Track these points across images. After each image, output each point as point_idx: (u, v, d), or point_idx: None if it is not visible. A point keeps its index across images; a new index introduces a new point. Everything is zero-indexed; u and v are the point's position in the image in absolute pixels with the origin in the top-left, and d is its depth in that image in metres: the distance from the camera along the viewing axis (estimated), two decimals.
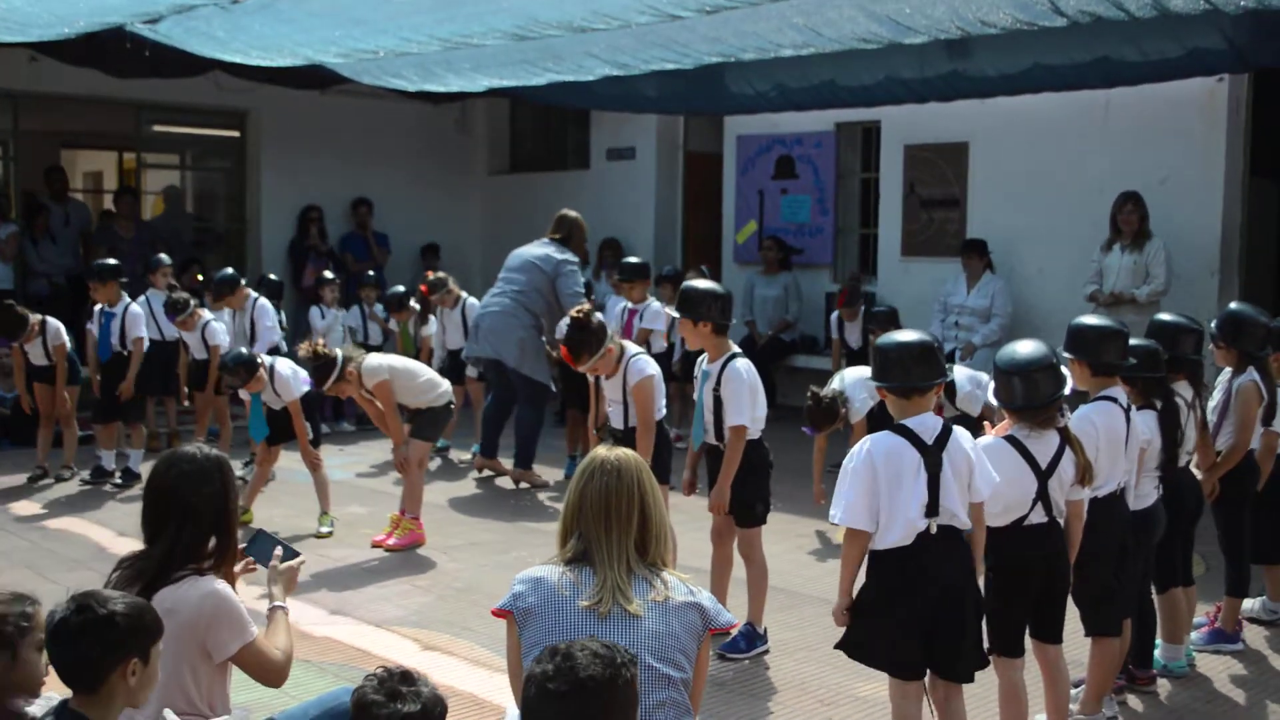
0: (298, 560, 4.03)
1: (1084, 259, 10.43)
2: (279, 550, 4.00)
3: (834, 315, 11.43)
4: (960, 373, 7.67)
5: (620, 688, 2.66)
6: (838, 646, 4.33)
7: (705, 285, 5.99)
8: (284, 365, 8.17)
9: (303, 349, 7.69)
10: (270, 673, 3.70)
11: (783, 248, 12.81)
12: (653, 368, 6.27)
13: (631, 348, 6.38)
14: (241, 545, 4.02)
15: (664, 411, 6.40)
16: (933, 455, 4.08)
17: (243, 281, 10.24)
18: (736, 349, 5.88)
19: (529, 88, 10.83)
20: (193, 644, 3.55)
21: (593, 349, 6.25)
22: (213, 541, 3.66)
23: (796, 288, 12.70)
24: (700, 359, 6.00)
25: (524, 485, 9.56)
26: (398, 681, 2.83)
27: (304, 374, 8.20)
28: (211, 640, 3.55)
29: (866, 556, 4.16)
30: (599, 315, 6.46)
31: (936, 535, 4.06)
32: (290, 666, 3.77)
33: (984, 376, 7.60)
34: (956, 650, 4.17)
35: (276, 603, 3.89)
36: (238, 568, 3.97)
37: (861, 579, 4.23)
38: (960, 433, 4.19)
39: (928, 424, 4.14)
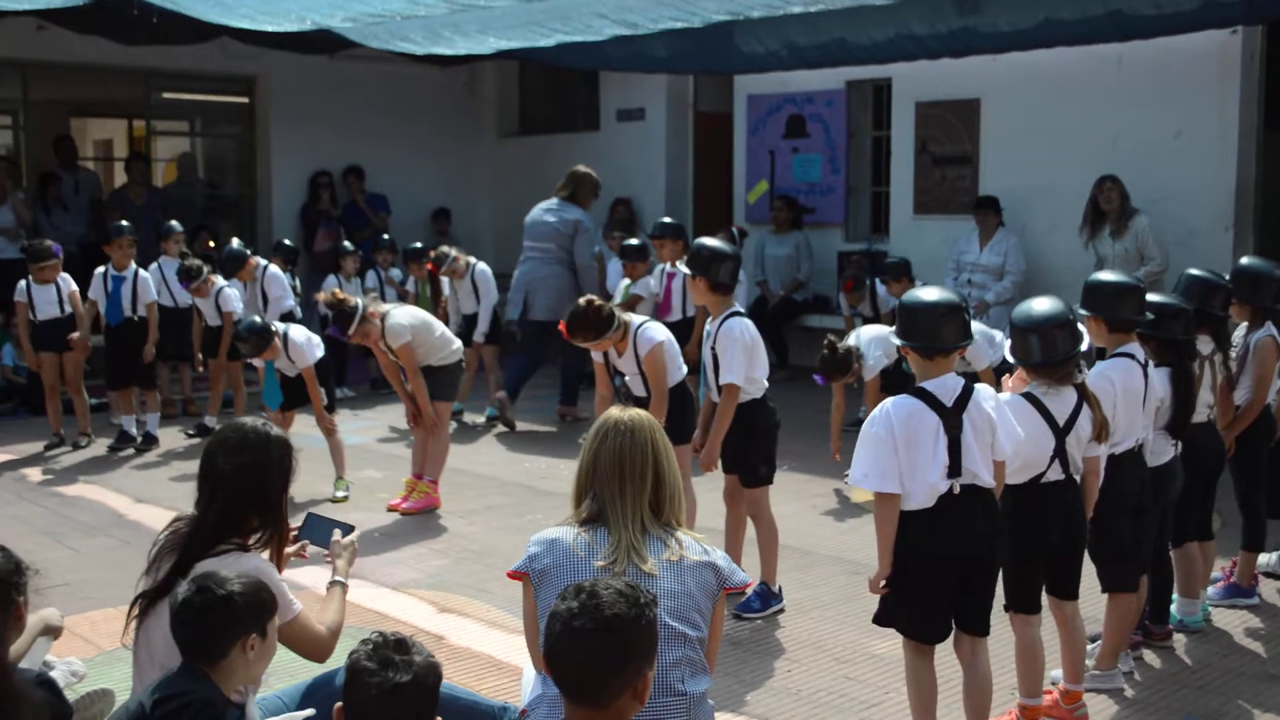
0: (355, 534, 4.13)
1: None
2: (337, 530, 4.08)
3: (840, 296, 11.37)
4: (974, 327, 7.65)
5: (644, 628, 2.66)
6: (876, 620, 4.27)
7: (711, 243, 5.91)
8: (298, 332, 8.18)
9: (323, 296, 7.68)
10: (313, 647, 3.73)
11: (794, 207, 12.75)
12: (662, 334, 6.22)
13: (636, 319, 6.34)
14: (294, 529, 4.07)
15: (684, 371, 6.38)
16: (952, 417, 4.04)
17: (249, 253, 10.24)
18: (738, 308, 5.84)
19: (537, 49, 10.77)
20: None
21: (600, 331, 6.19)
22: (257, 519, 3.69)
23: (808, 247, 12.64)
24: (709, 317, 5.98)
25: (569, 418, 10.52)
26: (391, 649, 2.76)
27: (318, 340, 8.23)
28: None
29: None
30: (608, 305, 6.37)
31: (960, 495, 4.04)
32: (336, 641, 3.78)
33: (997, 334, 7.58)
34: (981, 605, 4.17)
35: (338, 577, 3.93)
36: (290, 549, 4.01)
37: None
38: (981, 391, 4.16)
39: (948, 385, 4.10)
